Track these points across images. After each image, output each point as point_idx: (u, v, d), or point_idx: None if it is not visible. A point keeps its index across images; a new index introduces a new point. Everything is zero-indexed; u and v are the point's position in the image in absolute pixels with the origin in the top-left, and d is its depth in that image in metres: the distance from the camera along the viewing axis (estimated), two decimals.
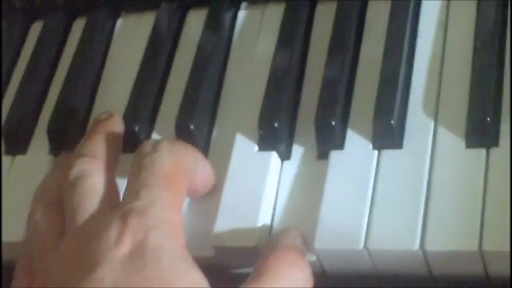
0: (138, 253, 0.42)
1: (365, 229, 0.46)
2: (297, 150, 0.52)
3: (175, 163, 0.46)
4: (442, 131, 0.49)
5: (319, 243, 0.47)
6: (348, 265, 0.47)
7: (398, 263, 0.46)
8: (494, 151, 0.47)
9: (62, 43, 0.63)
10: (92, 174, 0.47)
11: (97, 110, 0.58)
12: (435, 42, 0.52)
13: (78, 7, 0.63)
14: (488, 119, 0.47)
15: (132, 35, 0.61)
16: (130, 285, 0.41)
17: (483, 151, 0.47)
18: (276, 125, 0.51)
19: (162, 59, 0.58)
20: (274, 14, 0.58)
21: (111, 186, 0.47)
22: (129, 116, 0.54)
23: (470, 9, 0.53)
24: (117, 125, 0.52)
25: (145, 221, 0.43)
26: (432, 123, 0.49)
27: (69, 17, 0.64)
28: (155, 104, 0.56)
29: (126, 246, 0.42)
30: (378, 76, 0.51)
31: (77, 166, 0.47)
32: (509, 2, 0.52)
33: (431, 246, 0.45)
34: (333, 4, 0.56)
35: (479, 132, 0.47)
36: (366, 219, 0.47)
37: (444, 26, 0.53)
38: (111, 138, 0.49)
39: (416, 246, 0.45)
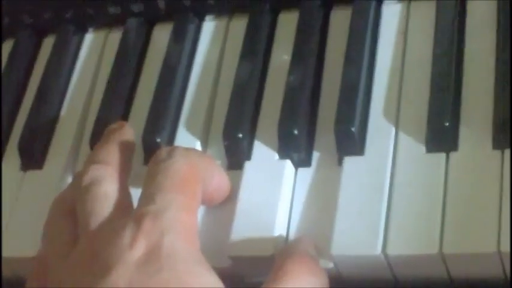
0: (153, 256, 0.41)
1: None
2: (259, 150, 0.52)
3: (190, 169, 0.46)
4: (403, 137, 0.49)
5: None
6: None
7: (362, 268, 0.47)
8: (453, 155, 0.48)
9: (33, 61, 0.63)
10: (105, 180, 0.47)
11: (65, 125, 0.58)
12: (395, 49, 0.53)
13: (47, 25, 0.64)
14: (447, 124, 0.48)
15: (99, 50, 0.61)
16: (145, 286, 0.41)
17: (443, 155, 0.48)
18: (240, 135, 0.52)
19: (130, 74, 0.58)
20: (240, 25, 0.58)
21: (124, 193, 0.47)
22: (98, 132, 0.55)
23: (430, 16, 0.53)
24: (129, 134, 0.51)
25: (159, 224, 0.42)
26: (393, 129, 0.50)
27: (39, 35, 0.64)
28: (123, 118, 0.57)
29: (140, 249, 0.42)
30: None
31: (90, 172, 0.47)
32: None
33: (393, 250, 0.46)
34: (296, 13, 0.57)
35: (439, 137, 0.48)
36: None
37: (404, 33, 0.54)
38: (123, 146, 0.50)
39: (378, 250, 0.46)
